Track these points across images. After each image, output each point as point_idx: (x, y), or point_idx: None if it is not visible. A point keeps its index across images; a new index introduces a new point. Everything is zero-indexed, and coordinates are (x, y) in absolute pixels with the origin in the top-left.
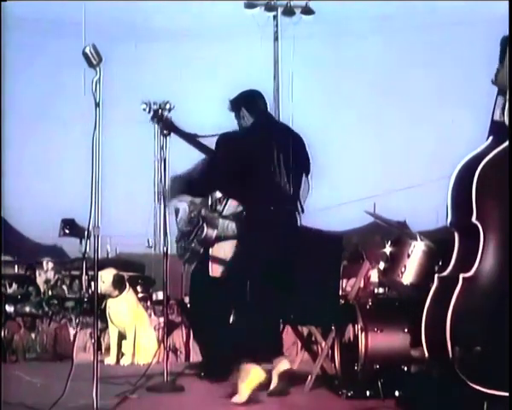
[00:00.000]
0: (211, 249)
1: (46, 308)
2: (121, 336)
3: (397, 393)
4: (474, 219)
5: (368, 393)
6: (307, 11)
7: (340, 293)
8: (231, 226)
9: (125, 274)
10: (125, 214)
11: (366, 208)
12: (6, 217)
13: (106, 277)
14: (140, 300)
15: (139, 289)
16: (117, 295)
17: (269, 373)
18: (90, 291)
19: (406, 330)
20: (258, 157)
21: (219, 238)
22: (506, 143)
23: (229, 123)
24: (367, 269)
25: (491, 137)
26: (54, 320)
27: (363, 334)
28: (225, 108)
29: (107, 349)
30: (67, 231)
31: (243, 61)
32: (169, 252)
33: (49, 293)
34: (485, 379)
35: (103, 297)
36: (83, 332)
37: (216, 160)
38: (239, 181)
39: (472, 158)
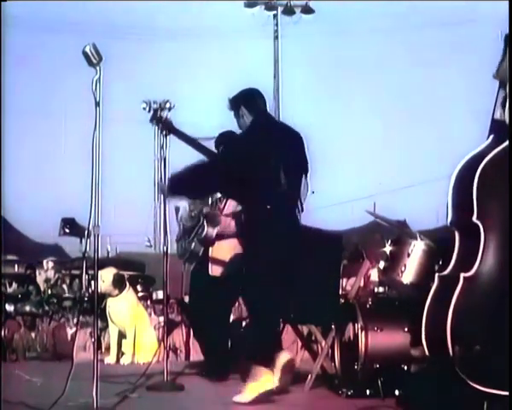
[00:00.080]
0: (211, 249)
1: (46, 307)
2: (121, 336)
3: (397, 392)
4: (474, 218)
5: (368, 392)
6: (307, 10)
7: (340, 292)
8: (233, 224)
9: (125, 273)
10: (125, 213)
11: (366, 208)
12: (6, 216)
13: (106, 276)
14: (140, 299)
15: (139, 288)
16: (117, 295)
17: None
18: (90, 290)
19: (406, 329)
20: (257, 156)
21: (223, 236)
22: (507, 143)
23: (228, 122)
24: (367, 268)
25: (491, 136)
26: (54, 320)
27: (363, 333)
28: (225, 108)
29: (108, 348)
30: (67, 231)
31: (243, 60)
32: (169, 251)
33: (49, 292)
34: (486, 378)
35: (103, 296)
36: (83, 331)
37: (215, 161)
38: (238, 180)
39: (473, 157)
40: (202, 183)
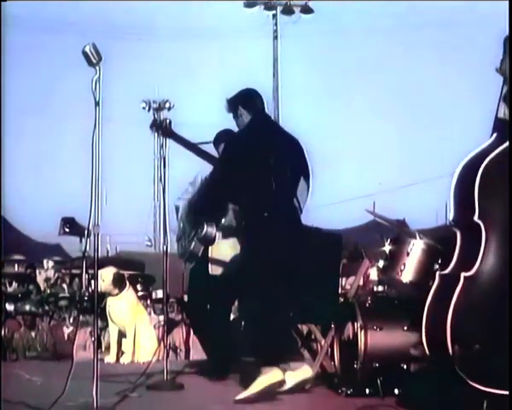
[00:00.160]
0: (210, 248)
1: (46, 307)
2: (121, 335)
3: (396, 391)
4: (476, 217)
5: (367, 391)
6: (306, 10)
7: (340, 291)
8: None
9: (125, 273)
10: (125, 213)
11: (366, 207)
12: (6, 216)
13: (106, 275)
14: (140, 298)
15: (139, 287)
16: (117, 294)
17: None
18: (90, 290)
19: (405, 328)
20: (256, 153)
21: (227, 229)
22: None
23: (228, 122)
24: (366, 267)
25: (494, 135)
26: (54, 319)
27: (363, 332)
28: (224, 107)
29: (108, 348)
30: (67, 230)
31: (243, 60)
32: (169, 250)
33: (48, 291)
34: (485, 378)
35: (103, 296)
36: (83, 331)
37: (215, 172)
38: (237, 179)
39: (475, 156)
40: (210, 197)
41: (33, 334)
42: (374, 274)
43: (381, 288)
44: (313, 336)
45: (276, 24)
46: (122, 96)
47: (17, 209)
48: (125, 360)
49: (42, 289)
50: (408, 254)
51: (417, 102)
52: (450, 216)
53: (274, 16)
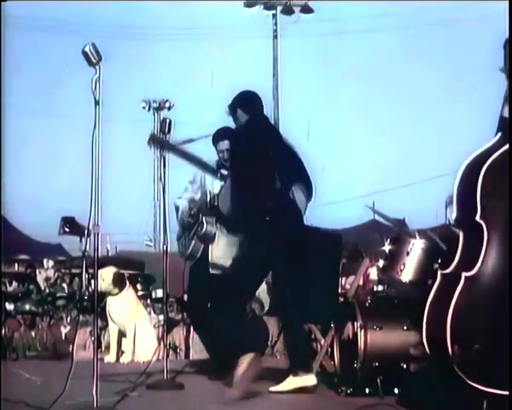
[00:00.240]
0: (210, 246)
1: (46, 306)
2: (121, 334)
3: (396, 390)
4: (478, 217)
5: (367, 390)
6: (306, 10)
7: (340, 291)
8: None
9: (125, 272)
10: (125, 212)
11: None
12: (6, 216)
13: (106, 275)
14: (140, 298)
15: (139, 287)
16: (117, 294)
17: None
18: (90, 289)
19: (405, 327)
20: (255, 151)
21: (230, 224)
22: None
23: (228, 121)
24: (366, 267)
25: (499, 134)
26: (54, 318)
27: (363, 332)
28: (224, 107)
29: (107, 347)
30: (67, 230)
31: (243, 59)
32: (169, 250)
33: (47, 291)
34: (485, 378)
35: (103, 295)
36: (83, 330)
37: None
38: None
39: (479, 155)
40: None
41: (33, 333)
42: (374, 274)
43: (380, 287)
44: (313, 336)
45: (275, 24)
46: (122, 95)
47: (17, 209)
48: (124, 359)
49: (42, 288)
50: (408, 253)
51: (417, 101)
52: (453, 215)
53: (274, 16)
